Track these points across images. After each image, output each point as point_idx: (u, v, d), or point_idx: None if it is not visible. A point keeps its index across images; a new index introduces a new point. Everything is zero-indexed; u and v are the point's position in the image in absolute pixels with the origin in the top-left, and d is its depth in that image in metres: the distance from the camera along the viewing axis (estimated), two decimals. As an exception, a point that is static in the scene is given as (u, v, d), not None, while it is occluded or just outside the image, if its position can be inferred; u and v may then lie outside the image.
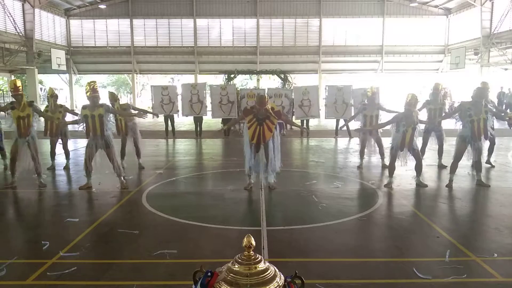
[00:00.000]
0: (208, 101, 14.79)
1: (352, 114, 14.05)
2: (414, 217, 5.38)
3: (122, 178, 6.89)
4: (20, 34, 22.75)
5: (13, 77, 29.18)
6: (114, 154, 6.83)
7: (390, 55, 28.80)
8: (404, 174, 7.63)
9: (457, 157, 6.87)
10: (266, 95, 7.81)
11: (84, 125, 6.70)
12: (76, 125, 7.11)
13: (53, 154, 8.53)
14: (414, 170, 6.99)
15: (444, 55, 28.87)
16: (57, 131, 8.37)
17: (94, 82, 6.90)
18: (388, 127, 7.13)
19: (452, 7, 27.81)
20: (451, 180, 6.85)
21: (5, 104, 7.18)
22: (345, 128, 9.99)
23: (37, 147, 7.06)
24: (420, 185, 6.86)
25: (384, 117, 8.47)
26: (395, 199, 6.25)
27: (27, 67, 23.79)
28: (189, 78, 29.99)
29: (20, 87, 6.88)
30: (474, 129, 6.62)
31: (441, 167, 8.37)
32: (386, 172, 7.45)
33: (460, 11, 27.25)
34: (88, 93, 6.69)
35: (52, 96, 8.47)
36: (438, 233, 4.64)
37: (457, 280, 3.48)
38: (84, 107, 6.75)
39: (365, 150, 8.58)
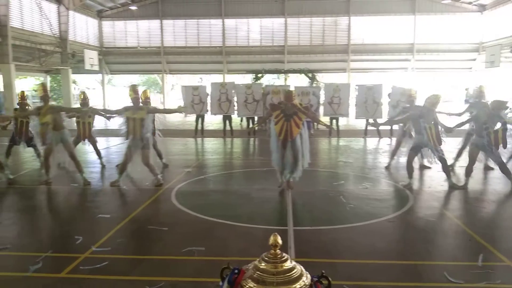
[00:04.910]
0: (235, 100, 14.90)
1: (384, 113, 13.81)
2: (445, 220, 5.25)
3: (159, 177, 7.03)
4: (55, 35, 23.49)
5: (48, 78, 30.23)
6: (150, 156, 6.99)
7: (421, 54, 28.09)
8: (436, 175, 7.45)
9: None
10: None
11: (126, 126, 6.91)
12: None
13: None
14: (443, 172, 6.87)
15: (478, 53, 27.93)
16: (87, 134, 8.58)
17: (136, 85, 7.14)
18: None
19: (487, 3, 26.84)
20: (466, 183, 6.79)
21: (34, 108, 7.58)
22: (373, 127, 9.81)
23: (71, 146, 7.28)
24: (454, 187, 6.67)
25: None
26: (426, 201, 6.11)
27: (61, 67, 24.53)
28: (217, 78, 30.20)
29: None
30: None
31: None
32: (422, 172, 7.39)
33: (495, 7, 26.28)
34: (130, 96, 6.89)
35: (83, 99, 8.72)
36: (470, 236, 4.51)
37: (491, 285, 3.37)
38: (126, 109, 6.93)
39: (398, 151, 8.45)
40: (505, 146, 6.68)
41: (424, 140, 6.63)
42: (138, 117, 6.78)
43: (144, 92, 8.79)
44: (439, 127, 6.63)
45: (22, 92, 8.69)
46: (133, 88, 6.93)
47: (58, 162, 7.46)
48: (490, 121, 6.63)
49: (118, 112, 7.09)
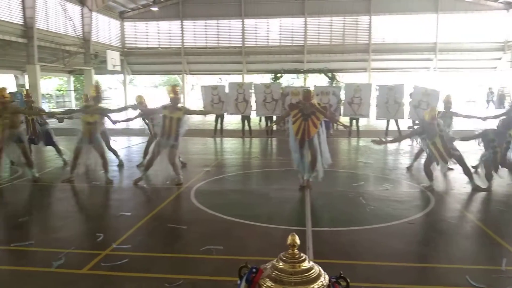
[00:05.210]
0: (253, 99, 14.93)
1: (405, 114, 13.57)
2: (467, 222, 5.14)
3: (180, 176, 7.10)
4: (79, 36, 23.96)
5: (72, 78, 30.85)
6: (177, 155, 7.07)
7: (444, 53, 27.55)
8: (459, 177, 7.30)
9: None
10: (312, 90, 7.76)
11: (162, 124, 6.98)
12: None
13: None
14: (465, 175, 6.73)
15: (503, 52, 27.21)
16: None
17: (176, 85, 7.24)
18: None
19: (514, 1, 26.15)
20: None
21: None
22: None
23: (103, 146, 7.41)
24: (477, 189, 6.52)
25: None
26: (448, 203, 5.99)
27: (84, 67, 24.99)
28: (236, 78, 30.30)
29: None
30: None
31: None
32: (445, 174, 7.28)
33: (522, 5, 25.55)
34: (170, 95, 6.99)
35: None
36: (493, 240, 4.40)
37: (515, 290, 3.29)
38: (164, 107, 7.03)
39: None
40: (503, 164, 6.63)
41: (431, 155, 6.56)
42: (175, 117, 6.88)
43: (139, 97, 8.84)
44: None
45: (27, 90, 8.95)
46: (173, 89, 7.06)
47: (87, 162, 7.53)
48: (498, 139, 6.50)
49: (157, 111, 7.22)
